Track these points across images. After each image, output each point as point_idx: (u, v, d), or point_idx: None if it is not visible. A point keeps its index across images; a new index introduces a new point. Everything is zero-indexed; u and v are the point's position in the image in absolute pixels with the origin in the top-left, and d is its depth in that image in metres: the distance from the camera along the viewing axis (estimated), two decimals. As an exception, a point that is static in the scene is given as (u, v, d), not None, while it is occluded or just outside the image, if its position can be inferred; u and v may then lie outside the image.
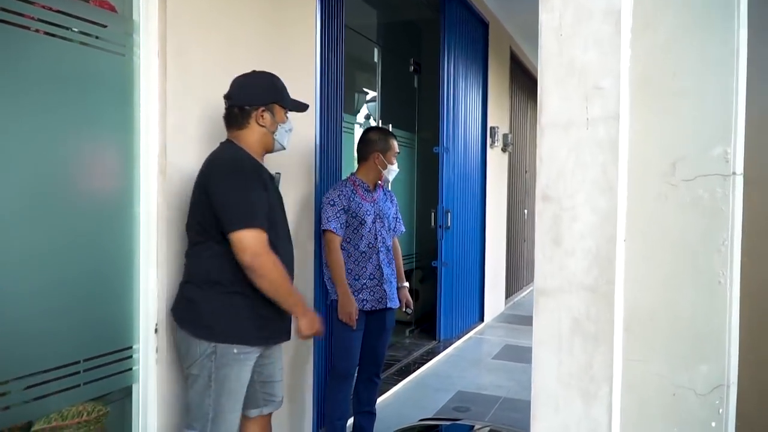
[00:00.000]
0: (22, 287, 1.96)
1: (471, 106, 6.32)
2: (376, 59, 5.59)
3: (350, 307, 3.12)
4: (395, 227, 3.47)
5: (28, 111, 1.97)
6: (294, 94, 3.21)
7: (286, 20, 3.16)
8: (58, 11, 2.04)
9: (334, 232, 3.15)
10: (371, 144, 3.29)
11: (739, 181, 1.05)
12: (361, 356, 3.34)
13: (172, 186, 2.37)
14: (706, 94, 1.08)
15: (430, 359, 5.21)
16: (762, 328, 1.13)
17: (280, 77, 2.41)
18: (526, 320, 7.10)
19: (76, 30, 2.12)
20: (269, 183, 2.29)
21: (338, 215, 3.16)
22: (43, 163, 2.02)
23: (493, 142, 6.83)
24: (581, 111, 1.09)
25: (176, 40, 2.39)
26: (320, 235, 3.27)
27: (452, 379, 4.79)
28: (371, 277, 3.24)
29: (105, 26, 2.22)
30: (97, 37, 2.18)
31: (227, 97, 2.32)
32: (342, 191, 3.22)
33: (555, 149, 1.11)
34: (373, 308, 3.23)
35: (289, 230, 2.48)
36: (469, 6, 6.02)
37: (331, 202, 3.18)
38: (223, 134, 2.38)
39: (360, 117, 5.81)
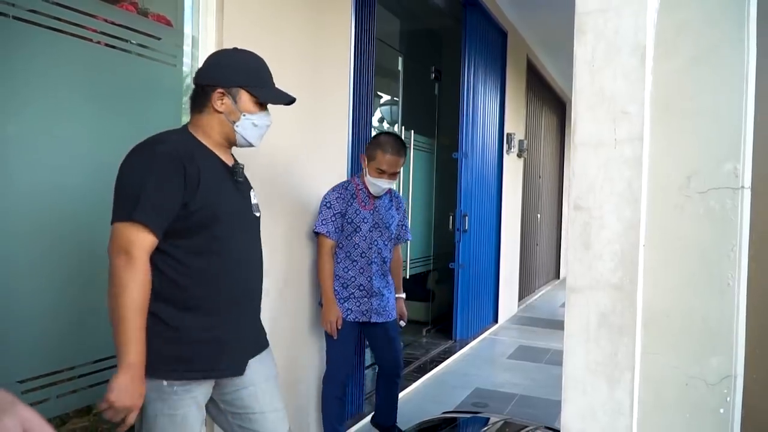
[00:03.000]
0: (84, 279, 2.13)
1: (489, 113, 6.47)
2: (399, 67, 5.76)
3: (332, 316, 3.04)
4: (400, 235, 3.34)
5: (89, 116, 2.14)
6: (330, 102, 3.33)
7: (325, 32, 3.34)
8: (120, 25, 2.22)
9: (327, 236, 3.05)
10: (367, 148, 3.13)
11: (747, 193, 1.17)
12: (380, 363, 3.35)
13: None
14: (718, 115, 1.20)
15: (447, 358, 5.36)
16: (765, 325, 1.26)
17: (265, 66, 1.97)
18: (539, 322, 7.23)
19: (134, 42, 2.29)
20: (210, 177, 1.79)
21: (334, 219, 3.05)
22: (105, 164, 2.19)
23: (509, 148, 6.97)
24: (610, 133, 1.25)
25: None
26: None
27: (469, 377, 4.94)
28: (360, 287, 3.11)
29: (159, 39, 2.40)
30: (153, 49, 2.36)
31: (195, 75, 1.97)
32: (341, 194, 3.10)
33: (586, 166, 1.27)
34: (357, 320, 3.11)
35: (256, 241, 2.01)
36: (488, 16, 6.17)
37: (328, 205, 3.07)
38: (275, 140, 2.45)
39: (374, 120, 5.97)
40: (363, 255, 3.10)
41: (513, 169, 7.35)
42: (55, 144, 2.04)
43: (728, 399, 1.21)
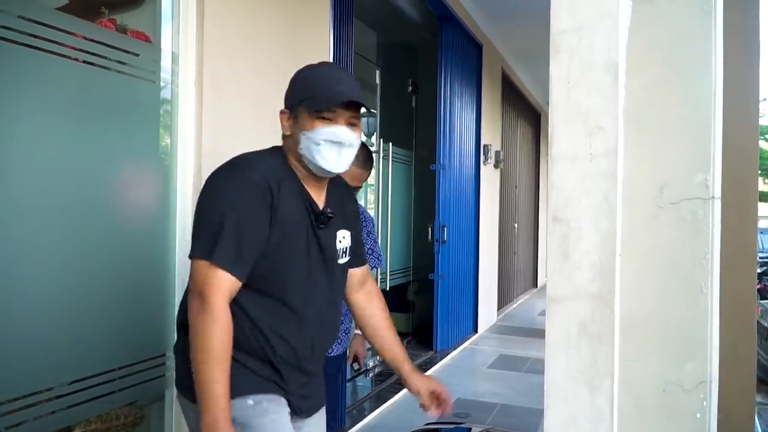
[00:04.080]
0: (64, 299, 2.10)
1: (466, 125, 6.54)
2: (376, 80, 5.80)
3: None
4: (368, 260, 2.65)
5: (67, 132, 2.13)
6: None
7: (304, 47, 3.35)
8: (99, 42, 2.21)
9: None
10: None
11: (717, 204, 1.21)
12: None
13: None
14: (688, 128, 1.24)
15: (428, 368, 5.37)
16: (738, 331, 1.31)
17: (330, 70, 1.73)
18: (518, 331, 7.28)
19: (112, 59, 2.29)
20: (286, 216, 1.59)
21: None
22: (85, 180, 2.18)
23: (486, 159, 7.05)
24: (586, 147, 1.28)
25: (211, 68, 2.57)
26: None
27: (450, 387, 4.89)
28: None
29: (138, 55, 2.39)
30: (131, 66, 2.35)
31: None
32: None
33: (564, 179, 1.30)
34: None
35: (331, 294, 1.77)
36: (464, 29, 6.25)
37: None
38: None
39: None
40: None
41: (490, 179, 7.42)
42: (32, 161, 2.02)
43: (704, 404, 1.23)
